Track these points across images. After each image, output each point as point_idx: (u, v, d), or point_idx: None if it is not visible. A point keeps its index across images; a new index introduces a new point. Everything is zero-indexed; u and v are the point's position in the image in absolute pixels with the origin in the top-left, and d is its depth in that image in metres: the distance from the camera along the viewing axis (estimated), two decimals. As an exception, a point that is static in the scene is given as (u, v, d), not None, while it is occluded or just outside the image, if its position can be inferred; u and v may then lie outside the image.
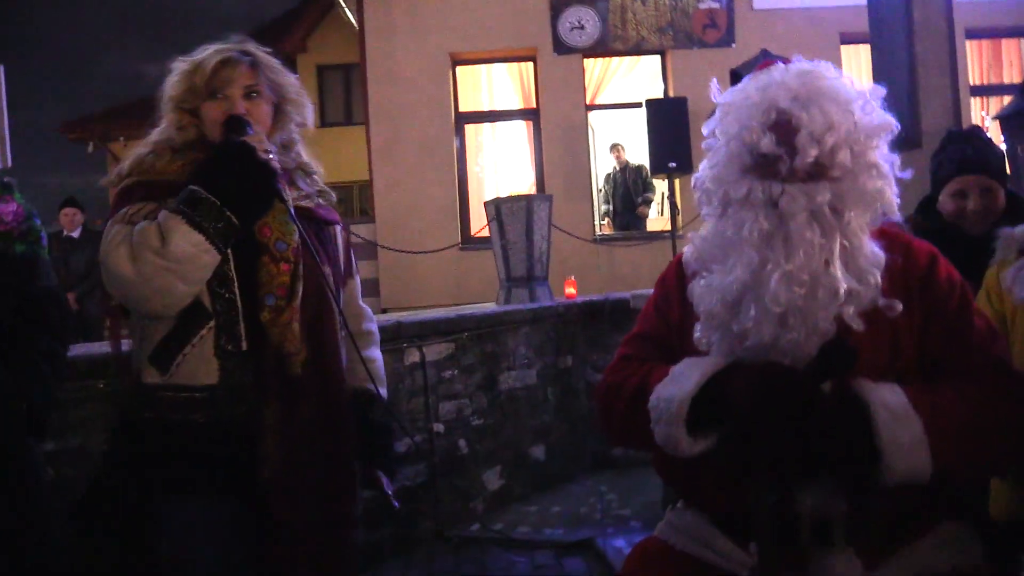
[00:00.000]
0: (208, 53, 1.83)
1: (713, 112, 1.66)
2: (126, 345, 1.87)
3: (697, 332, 1.56)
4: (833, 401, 1.40)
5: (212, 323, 1.72)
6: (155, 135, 1.86)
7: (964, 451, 1.42)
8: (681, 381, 1.51)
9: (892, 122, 1.55)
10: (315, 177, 1.99)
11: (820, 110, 1.48)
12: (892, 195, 1.54)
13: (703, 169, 1.63)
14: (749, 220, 1.49)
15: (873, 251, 1.49)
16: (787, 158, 1.48)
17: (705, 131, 1.66)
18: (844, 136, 1.49)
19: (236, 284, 1.75)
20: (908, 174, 1.57)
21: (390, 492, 1.98)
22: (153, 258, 1.62)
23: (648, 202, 10.21)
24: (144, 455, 1.70)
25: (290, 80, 1.92)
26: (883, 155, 1.55)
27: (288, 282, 1.79)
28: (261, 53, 1.88)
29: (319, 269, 1.86)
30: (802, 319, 1.44)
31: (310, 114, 1.97)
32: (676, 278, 1.72)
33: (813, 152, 1.47)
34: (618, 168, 10.30)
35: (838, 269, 1.45)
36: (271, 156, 1.75)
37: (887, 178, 1.53)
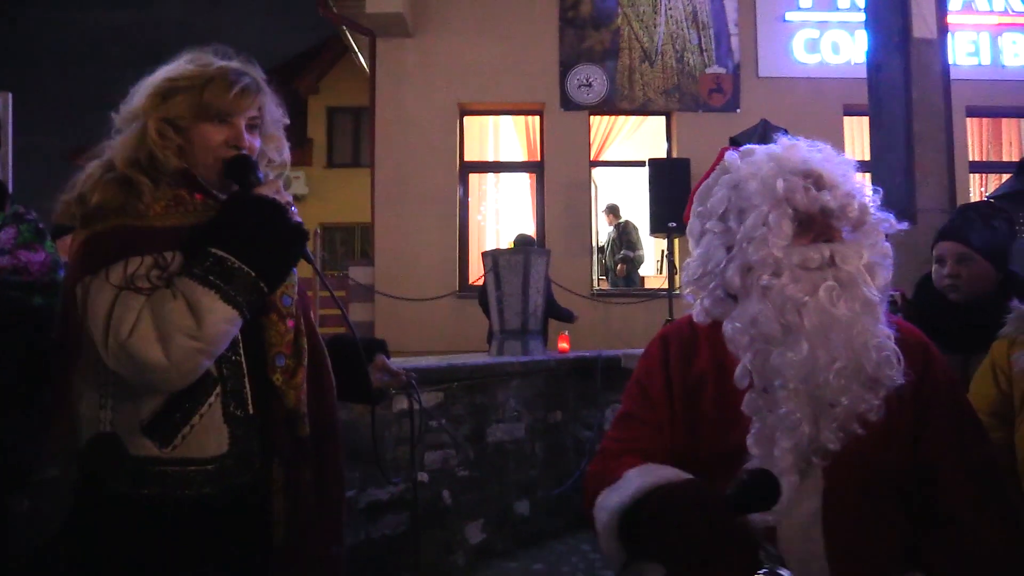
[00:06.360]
0: (215, 68, 1.63)
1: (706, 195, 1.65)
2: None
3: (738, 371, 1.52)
4: None
5: (219, 388, 1.55)
6: (123, 151, 1.59)
7: None
8: (622, 490, 1.47)
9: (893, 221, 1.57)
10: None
11: (839, 170, 1.52)
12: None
13: (744, 242, 1.53)
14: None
15: (894, 352, 1.47)
16: (837, 212, 1.49)
17: (713, 202, 1.62)
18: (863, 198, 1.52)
19: (242, 345, 1.59)
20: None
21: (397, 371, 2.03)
22: (187, 341, 1.45)
23: (627, 259, 10.13)
24: (140, 534, 1.52)
25: (279, 114, 1.75)
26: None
27: (293, 339, 1.66)
28: (262, 80, 1.71)
29: (310, 319, 1.76)
30: (846, 338, 1.42)
31: (287, 151, 1.80)
32: (659, 353, 1.69)
33: (855, 203, 1.49)
34: (612, 228, 10.40)
35: (872, 352, 1.44)
36: (293, 210, 1.61)
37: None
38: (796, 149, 1.55)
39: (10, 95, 2.78)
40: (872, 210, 1.53)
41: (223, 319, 1.48)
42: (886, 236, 1.55)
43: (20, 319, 1.93)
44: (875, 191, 1.57)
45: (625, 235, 10.18)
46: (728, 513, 1.31)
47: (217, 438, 1.54)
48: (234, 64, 1.66)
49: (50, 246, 2.04)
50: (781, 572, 1.29)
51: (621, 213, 10.49)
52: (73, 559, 1.57)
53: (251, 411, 1.59)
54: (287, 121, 1.77)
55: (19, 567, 1.94)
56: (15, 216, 2.05)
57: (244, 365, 1.59)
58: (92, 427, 1.55)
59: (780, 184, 1.49)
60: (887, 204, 1.59)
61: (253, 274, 1.51)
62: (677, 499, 1.37)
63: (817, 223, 1.49)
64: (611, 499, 1.48)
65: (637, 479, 1.47)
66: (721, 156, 1.70)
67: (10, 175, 2.96)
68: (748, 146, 1.66)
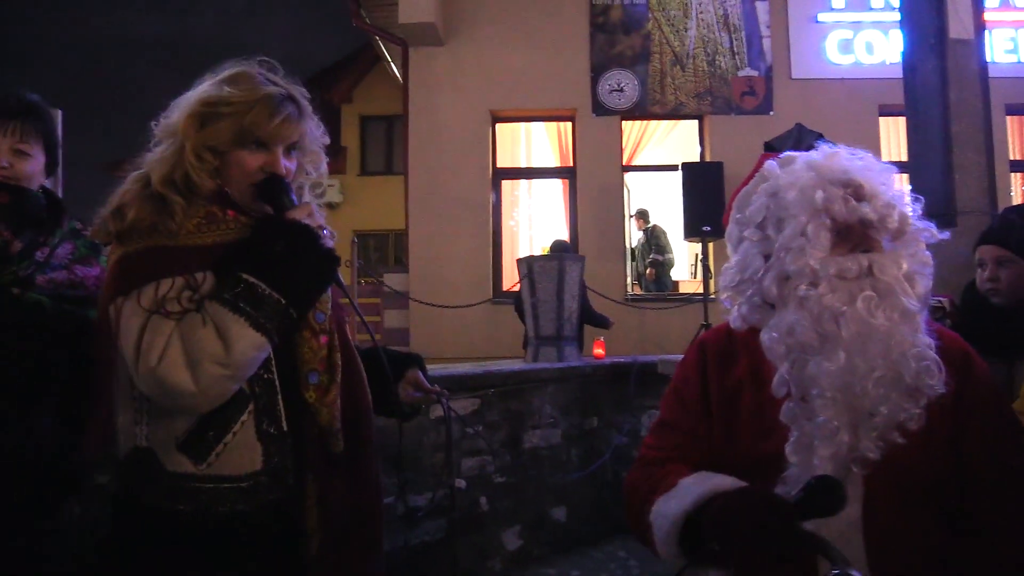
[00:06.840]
0: (258, 96, 1.61)
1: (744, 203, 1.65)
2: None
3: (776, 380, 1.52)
4: None
5: (251, 406, 1.55)
6: (159, 168, 1.59)
7: None
8: (681, 497, 1.49)
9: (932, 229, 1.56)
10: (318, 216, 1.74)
11: (879, 179, 1.52)
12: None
13: (782, 251, 1.53)
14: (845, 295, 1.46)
15: (935, 361, 1.46)
16: (877, 223, 1.48)
17: (748, 210, 1.62)
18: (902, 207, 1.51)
19: (274, 362, 1.58)
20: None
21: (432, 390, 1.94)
22: (215, 368, 1.45)
23: (655, 263, 10.20)
24: (174, 548, 1.52)
25: (319, 134, 1.74)
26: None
27: (327, 355, 1.65)
28: (305, 103, 1.70)
29: (345, 333, 1.74)
30: (884, 348, 1.42)
31: (324, 166, 1.79)
32: (697, 360, 1.70)
33: (895, 213, 1.49)
34: (641, 233, 10.48)
35: (912, 361, 1.43)
36: (325, 232, 1.60)
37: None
38: (836, 158, 1.55)
39: (60, 112, 2.83)
40: (912, 220, 1.52)
41: (251, 346, 1.48)
42: (926, 245, 1.54)
43: (75, 332, 1.98)
44: (916, 200, 1.56)
45: (654, 239, 10.21)
46: (795, 518, 1.31)
47: (250, 455, 1.54)
48: (278, 89, 1.65)
49: (104, 260, 2.09)
50: (853, 573, 1.29)
51: (652, 217, 10.51)
52: (109, 571, 1.59)
53: (284, 428, 1.58)
54: (327, 140, 1.77)
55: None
56: (73, 232, 2.11)
57: (277, 383, 1.59)
58: (129, 441, 1.57)
59: (819, 195, 1.49)
60: (926, 206, 1.58)
61: (283, 301, 1.51)
62: (745, 505, 1.38)
63: (856, 233, 1.49)
64: (670, 506, 1.49)
65: (694, 486, 1.49)
66: (760, 163, 1.70)
67: (59, 190, 3.02)
68: (787, 154, 1.66)
